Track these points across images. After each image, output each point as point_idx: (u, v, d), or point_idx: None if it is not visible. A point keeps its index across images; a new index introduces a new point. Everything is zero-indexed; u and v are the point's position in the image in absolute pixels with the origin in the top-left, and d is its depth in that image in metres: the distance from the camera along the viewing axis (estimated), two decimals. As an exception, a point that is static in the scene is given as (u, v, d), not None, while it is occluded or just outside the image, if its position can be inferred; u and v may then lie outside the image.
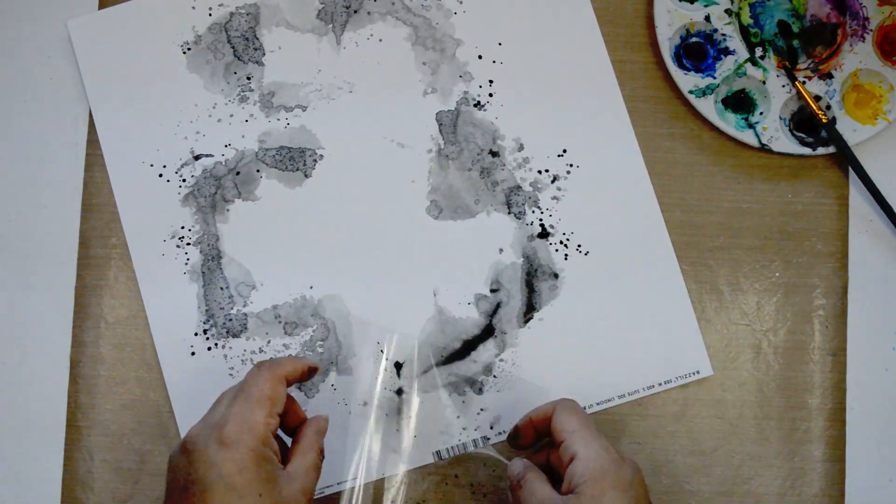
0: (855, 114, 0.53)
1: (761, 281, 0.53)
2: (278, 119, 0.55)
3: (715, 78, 0.53)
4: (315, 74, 0.55)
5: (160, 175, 0.55)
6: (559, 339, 0.54)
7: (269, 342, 0.54)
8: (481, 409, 0.54)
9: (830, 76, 0.53)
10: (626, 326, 0.53)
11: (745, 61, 0.53)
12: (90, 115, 0.55)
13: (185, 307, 0.55)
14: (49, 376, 0.54)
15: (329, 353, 0.54)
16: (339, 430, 0.53)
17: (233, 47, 0.56)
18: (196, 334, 0.54)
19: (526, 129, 0.55)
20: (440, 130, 0.55)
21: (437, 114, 0.55)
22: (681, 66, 0.54)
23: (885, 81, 0.53)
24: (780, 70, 0.54)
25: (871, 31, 0.53)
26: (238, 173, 0.55)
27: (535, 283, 0.54)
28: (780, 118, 0.53)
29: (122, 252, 0.55)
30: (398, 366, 0.54)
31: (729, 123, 0.53)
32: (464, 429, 0.54)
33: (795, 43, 0.54)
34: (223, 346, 0.54)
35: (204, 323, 0.54)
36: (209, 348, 0.54)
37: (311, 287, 0.54)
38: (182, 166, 0.55)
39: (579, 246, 0.54)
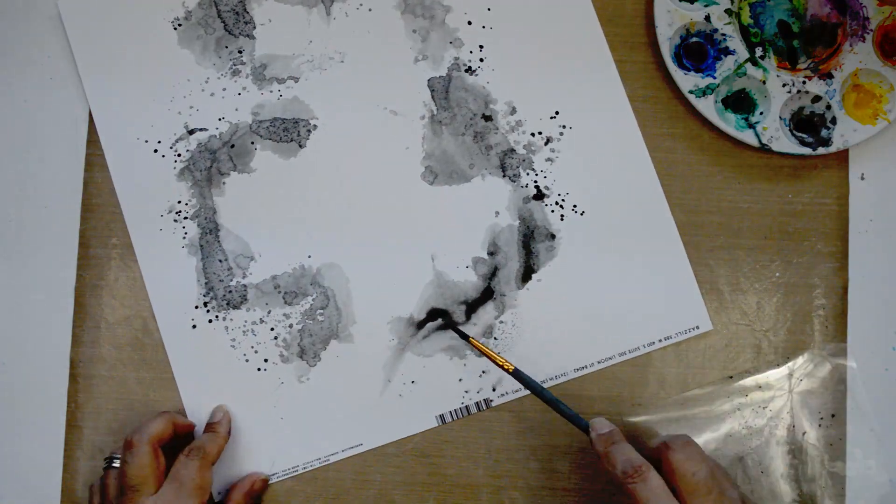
0: (855, 114, 0.53)
1: (761, 281, 0.54)
2: (271, 91, 0.55)
3: (715, 78, 0.53)
4: (306, 46, 0.56)
5: (155, 150, 0.55)
6: (558, 299, 0.54)
7: (269, 312, 0.54)
8: (483, 372, 0.54)
9: (830, 76, 0.53)
10: (624, 284, 0.54)
11: (746, 61, 0.53)
12: (90, 115, 0.55)
13: (186, 281, 0.55)
14: (49, 376, 0.54)
15: (329, 320, 0.54)
16: (342, 398, 0.54)
17: (223, 22, 0.56)
18: (196, 307, 0.54)
19: (518, 92, 0.55)
20: (432, 97, 0.55)
21: (428, 80, 0.55)
22: (681, 66, 0.54)
23: (885, 81, 0.53)
24: (780, 70, 0.53)
25: (871, 31, 0.53)
26: (233, 146, 0.55)
27: (532, 244, 0.54)
28: (780, 118, 0.53)
29: (122, 252, 0.55)
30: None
31: (729, 123, 0.53)
32: (466, 391, 0.54)
33: (795, 43, 0.54)
34: (224, 318, 0.54)
35: (204, 296, 0.55)
36: (210, 321, 0.54)
37: (309, 256, 0.55)
38: (177, 141, 0.55)
39: (575, 206, 0.54)
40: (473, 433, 0.53)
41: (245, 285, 0.54)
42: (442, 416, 0.54)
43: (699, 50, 0.54)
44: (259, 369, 0.54)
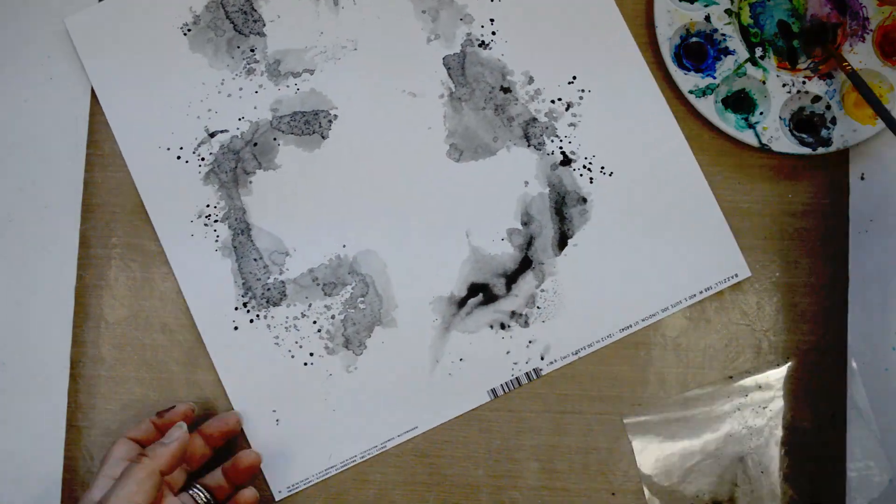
0: (855, 114, 0.53)
1: (761, 281, 0.53)
2: (287, 86, 0.55)
3: (715, 78, 0.53)
4: (318, 37, 0.56)
5: (178, 157, 0.55)
6: (597, 261, 0.54)
7: (310, 306, 0.54)
8: (530, 342, 0.54)
9: (830, 76, 0.53)
10: (659, 240, 0.54)
11: (745, 61, 0.53)
12: (90, 115, 0.55)
13: (222, 284, 0.55)
14: (49, 376, 0.54)
15: (371, 307, 0.54)
16: (392, 383, 0.53)
17: (232, 22, 0.56)
18: (236, 308, 0.54)
19: (533, 61, 0.55)
20: (449, 74, 0.55)
21: (443, 59, 0.55)
22: (681, 66, 0.54)
23: (885, 81, 0.53)
24: (780, 70, 0.53)
25: (871, 31, 0.53)
26: (255, 144, 0.55)
27: (564, 210, 0.55)
28: (780, 118, 0.53)
29: (122, 252, 0.55)
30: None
31: (729, 123, 0.53)
32: (515, 363, 0.54)
33: (795, 43, 0.54)
34: (265, 317, 0.54)
35: (242, 296, 0.54)
36: (251, 320, 0.54)
37: (343, 246, 0.54)
38: (199, 145, 0.55)
39: (603, 168, 0.54)
40: (473, 433, 0.53)
41: (283, 281, 0.54)
42: (494, 391, 0.54)
43: (699, 50, 0.54)
44: (306, 364, 0.54)
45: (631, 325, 0.54)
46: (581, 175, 0.54)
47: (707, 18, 0.53)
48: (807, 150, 0.53)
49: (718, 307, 0.53)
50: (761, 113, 0.53)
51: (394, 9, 0.55)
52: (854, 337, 0.53)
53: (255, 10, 0.56)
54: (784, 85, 0.53)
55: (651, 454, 0.54)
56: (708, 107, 0.53)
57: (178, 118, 0.55)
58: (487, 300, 0.54)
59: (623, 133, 0.54)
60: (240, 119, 0.55)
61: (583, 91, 0.55)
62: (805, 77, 0.53)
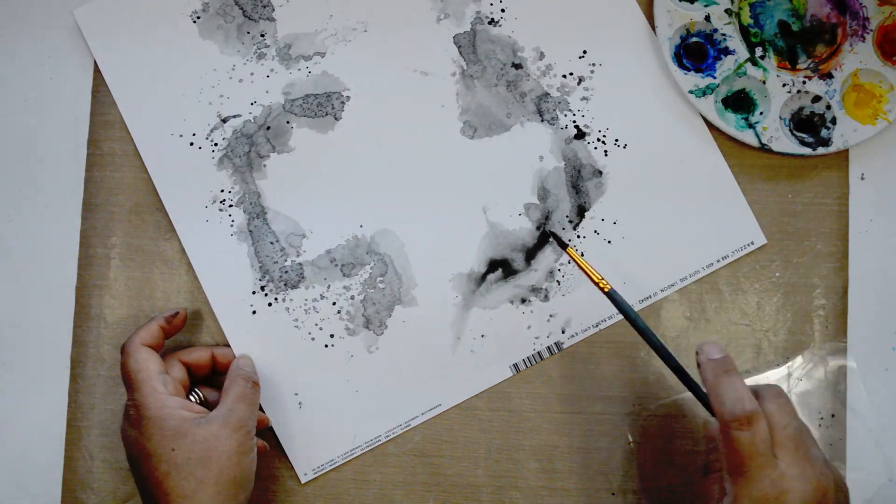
0: (855, 114, 0.53)
1: (761, 281, 0.54)
2: (299, 69, 0.55)
3: (715, 78, 0.53)
4: (327, 20, 0.56)
5: (191, 143, 0.55)
6: (614, 233, 0.54)
7: (328, 287, 0.54)
8: (550, 316, 0.54)
9: (830, 76, 0.53)
10: (675, 210, 0.54)
11: (745, 61, 0.53)
12: (90, 115, 0.55)
13: (239, 268, 0.54)
14: (49, 376, 0.54)
15: (391, 286, 0.54)
16: (414, 362, 0.53)
17: (241, 8, 0.56)
18: (254, 293, 0.54)
19: (543, 36, 0.55)
20: (460, 53, 0.55)
21: (454, 37, 0.55)
22: (681, 66, 0.54)
23: (885, 81, 0.53)
24: (780, 70, 0.53)
25: (871, 31, 0.53)
26: (269, 128, 0.55)
27: (580, 183, 0.55)
28: (780, 118, 0.53)
29: (121, 252, 0.55)
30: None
31: (729, 123, 0.53)
32: (536, 338, 0.54)
33: (795, 43, 0.54)
34: (283, 300, 0.54)
35: (260, 280, 0.54)
36: (269, 304, 0.54)
37: (360, 226, 0.54)
38: (212, 131, 0.55)
39: (617, 140, 0.54)
40: (473, 433, 0.53)
41: (300, 263, 0.54)
42: (516, 366, 0.53)
43: (699, 50, 0.54)
44: (326, 346, 0.53)
45: (650, 296, 0.54)
46: (596, 148, 0.55)
47: (707, 18, 0.54)
48: (807, 150, 0.53)
49: (718, 307, 0.53)
50: (761, 113, 0.53)
51: (404, -13, 0.55)
52: (854, 337, 0.53)
53: (265, -5, 0.56)
54: (784, 85, 0.53)
55: (651, 454, 0.53)
56: (708, 107, 0.53)
57: (190, 105, 0.55)
58: (507, 275, 0.54)
59: (635, 105, 0.55)
60: (252, 104, 0.55)
61: (594, 65, 0.55)
62: (805, 77, 0.53)
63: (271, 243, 0.54)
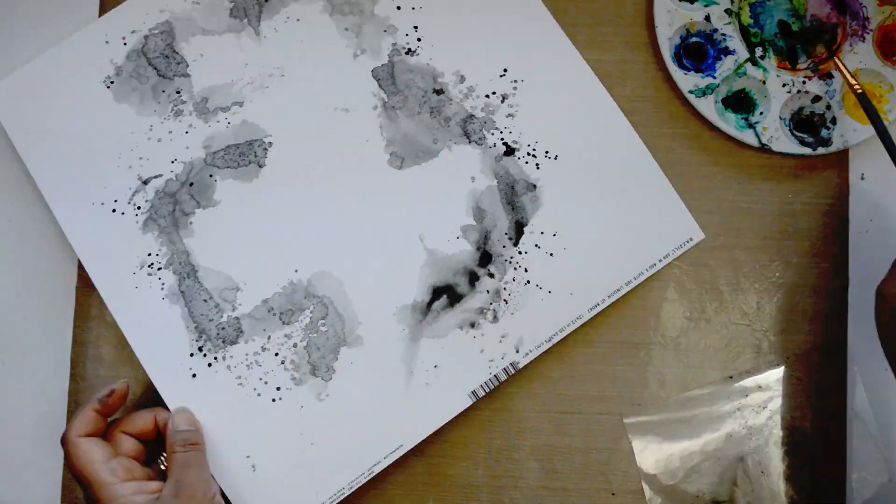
0: (855, 114, 0.53)
1: (761, 281, 0.53)
2: (218, 121, 0.54)
3: (715, 78, 0.53)
4: (243, 70, 0.55)
5: (113, 210, 0.53)
6: (556, 245, 0.53)
7: (269, 338, 0.52)
8: (503, 336, 0.51)
9: (830, 76, 0.53)
10: (612, 215, 0.53)
11: (745, 61, 0.53)
12: None
13: (174, 332, 0.52)
14: (49, 376, 0.54)
15: (333, 328, 0.52)
16: (368, 404, 0.51)
17: (155, 68, 0.55)
18: (192, 354, 0.51)
19: (462, 60, 0.54)
20: (380, 85, 0.55)
21: (372, 71, 0.55)
22: (681, 66, 0.54)
23: (885, 81, 0.53)
24: (780, 70, 0.54)
25: (871, 31, 0.53)
26: (192, 184, 0.54)
27: (515, 199, 0.53)
28: (780, 118, 0.53)
29: None
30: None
31: (729, 123, 0.53)
32: (491, 360, 0.51)
33: (795, 43, 0.54)
34: (224, 358, 0.51)
35: (196, 341, 0.52)
36: (209, 364, 0.51)
37: (296, 270, 0.52)
38: (133, 195, 0.54)
39: (547, 152, 0.53)
40: (473, 433, 0.53)
41: (237, 318, 0.52)
42: (474, 392, 0.51)
43: (699, 50, 0.54)
44: (274, 400, 0.51)
45: (598, 304, 0.52)
46: (527, 163, 0.53)
47: (707, 18, 0.54)
48: (807, 150, 0.53)
49: (718, 307, 0.53)
50: (761, 113, 0.53)
51: (316, 31, 0.55)
52: (854, 337, 0.53)
53: (177, 53, 0.56)
54: (784, 85, 0.53)
55: (651, 454, 0.53)
56: (708, 107, 0.53)
57: (109, 171, 0.53)
58: (453, 301, 0.52)
59: (561, 116, 0.54)
60: (172, 161, 0.54)
61: (516, 81, 0.55)
62: (805, 77, 0.53)
63: (205, 301, 0.52)
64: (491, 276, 0.52)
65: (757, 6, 0.54)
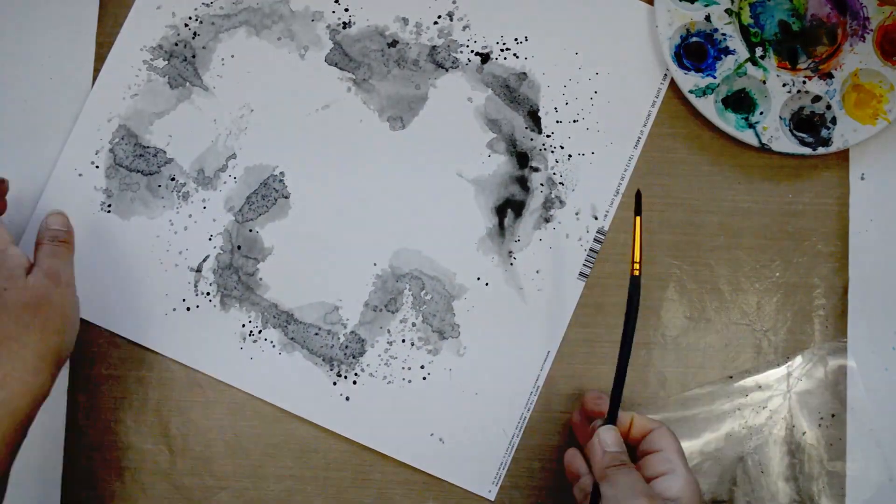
0: (855, 114, 0.52)
1: (761, 281, 0.53)
2: (224, 182, 0.55)
3: (715, 78, 0.53)
4: (214, 126, 0.55)
5: (188, 309, 0.54)
6: (571, 111, 0.55)
7: (388, 332, 0.54)
8: (576, 214, 0.55)
9: (830, 76, 0.53)
10: (598, 57, 0.55)
11: (746, 61, 0.53)
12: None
13: (306, 374, 0.53)
14: None
15: (437, 292, 0.53)
16: (501, 334, 0.54)
17: (138, 171, 0.55)
18: (335, 384, 0.54)
19: (395, 5, 0.55)
20: (339, 68, 0.55)
21: (325, 60, 0.55)
22: (681, 65, 0.53)
23: (885, 81, 0.52)
24: (780, 70, 0.53)
25: (872, 31, 0.52)
26: (239, 247, 0.55)
27: (515, 94, 0.54)
28: (780, 118, 0.52)
29: None
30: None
31: (729, 123, 0.53)
32: (579, 239, 0.54)
33: (795, 43, 0.54)
34: (362, 370, 0.53)
35: (331, 370, 0.54)
36: (353, 382, 0.54)
37: (374, 264, 0.54)
38: (196, 286, 0.55)
39: (516, 39, 0.55)
40: None
41: (352, 331, 0.54)
42: (582, 273, 0.54)
43: (699, 50, 0.54)
44: (424, 378, 0.54)
45: (641, 133, 0.55)
46: (505, 58, 0.55)
47: (707, 18, 0.53)
48: (807, 150, 0.52)
49: (718, 307, 0.53)
50: (761, 113, 0.53)
51: (253, 54, 0.55)
52: (854, 337, 0.53)
53: (148, 146, 0.55)
54: (784, 85, 0.53)
55: None
56: (708, 106, 0.53)
57: (162, 279, 0.54)
58: (518, 210, 0.54)
59: (518, 2, 0.55)
60: (210, 239, 0.55)
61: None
62: (805, 77, 0.53)
63: (316, 334, 0.54)
64: (536, 170, 0.55)
65: (757, 6, 0.53)
